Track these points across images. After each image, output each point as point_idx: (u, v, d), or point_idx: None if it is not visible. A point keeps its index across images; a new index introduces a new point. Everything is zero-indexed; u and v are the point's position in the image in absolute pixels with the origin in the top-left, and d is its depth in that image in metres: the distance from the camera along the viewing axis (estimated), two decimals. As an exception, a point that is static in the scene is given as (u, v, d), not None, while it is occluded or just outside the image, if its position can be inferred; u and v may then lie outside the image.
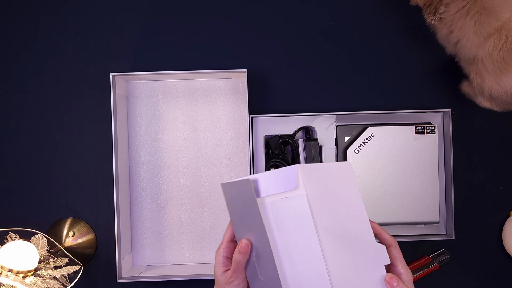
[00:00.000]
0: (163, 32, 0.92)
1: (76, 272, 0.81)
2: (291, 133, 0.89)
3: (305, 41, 0.92)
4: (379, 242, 0.56)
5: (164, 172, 0.91)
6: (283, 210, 0.56)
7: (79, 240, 0.89)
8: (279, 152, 0.88)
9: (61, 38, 0.92)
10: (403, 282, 0.54)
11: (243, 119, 0.90)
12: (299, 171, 0.55)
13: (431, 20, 0.77)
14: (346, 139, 0.87)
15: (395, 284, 0.53)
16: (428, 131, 0.87)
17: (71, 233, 0.89)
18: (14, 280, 0.71)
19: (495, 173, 0.91)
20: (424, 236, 0.88)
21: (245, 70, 0.84)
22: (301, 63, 0.92)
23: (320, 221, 0.55)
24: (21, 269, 0.72)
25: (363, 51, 0.92)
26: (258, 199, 0.56)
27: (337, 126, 0.88)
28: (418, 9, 0.83)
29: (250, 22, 0.92)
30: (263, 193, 0.57)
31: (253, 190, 0.55)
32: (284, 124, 0.89)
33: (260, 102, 0.91)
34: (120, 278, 0.83)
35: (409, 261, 0.90)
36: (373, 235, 0.55)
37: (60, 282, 0.79)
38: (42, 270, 0.77)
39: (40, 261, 0.77)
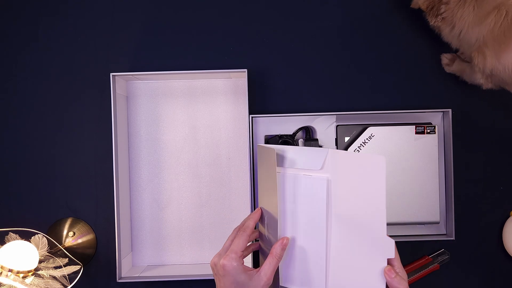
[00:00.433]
0: (163, 32, 0.92)
1: (76, 272, 0.81)
2: (291, 133, 0.89)
3: (305, 41, 0.92)
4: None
5: (164, 172, 0.91)
6: (302, 185, 0.60)
7: (79, 240, 0.89)
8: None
9: (61, 38, 0.92)
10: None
11: (243, 119, 0.90)
12: (329, 155, 0.58)
13: (434, 22, 0.78)
14: (346, 139, 0.87)
15: (392, 276, 0.55)
16: (428, 131, 0.87)
17: (71, 233, 0.89)
18: (14, 280, 0.71)
19: (495, 173, 0.91)
20: (424, 236, 0.88)
21: (245, 70, 0.84)
22: (301, 63, 0.92)
23: (333, 206, 0.59)
24: (21, 269, 0.72)
25: (363, 51, 0.92)
26: (278, 168, 0.60)
27: (337, 126, 0.88)
28: (418, 9, 0.83)
29: (250, 22, 0.92)
30: (288, 164, 0.60)
31: (275, 159, 0.58)
32: (284, 124, 0.89)
33: (260, 102, 0.91)
34: (120, 278, 0.83)
35: (409, 261, 0.90)
36: (385, 229, 0.56)
37: (60, 282, 0.79)
38: (42, 270, 0.77)
39: (40, 261, 0.77)
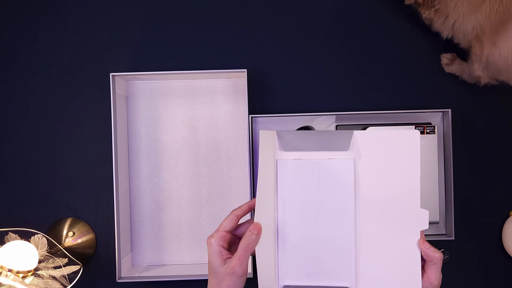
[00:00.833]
0: (163, 32, 0.92)
1: (76, 272, 0.81)
2: (291, 133, 0.89)
3: (305, 41, 0.92)
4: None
5: (164, 172, 0.91)
6: (325, 170, 0.58)
7: (79, 240, 0.89)
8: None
9: (61, 38, 0.92)
10: (432, 286, 0.55)
11: (243, 119, 0.90)
12: (355, 136, 0.57)
13: (428, 14, 0.78)
14: (346, 139, 0.87)
15: (428, 246, 0.55)
16: (428, 131, 0.87)
17: (71, 233, 0.89)
18: (13, 280, 0.71)
19: (495, 173, 0.91)
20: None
21: (245, 70, 0.84)
22: (301, 63, 0.92)
23: (361, 188, 0.57)
24: (20, 269, 0.72)
25: (363, 51, 0.92)
26: (296, 154, 0.58)
27: (337, 126, 0.88)
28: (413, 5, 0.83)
29: (250, 22, 0.92)
30: (307, 149, 0.58)
31: (275, 143, 0.57)
32: (284, 124, 0.89)
33: (260, 102, 0.91)
34: (120, 278, 0.83)
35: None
36: (419, 201, 0.56)
37: (60, 282, 0.79)
38: (41, 270, 0.77)
39: (40, 261, 0.77)
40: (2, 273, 0.71)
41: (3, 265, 0.71)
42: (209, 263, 0.55)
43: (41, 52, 0.91)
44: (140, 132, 0.91)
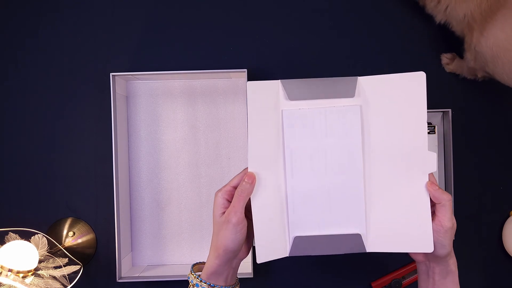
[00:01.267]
0: (163, 32, 0.92)
1: (76, 272, 0.81)
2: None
3: (306, 41, 0.92)
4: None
5: (164, 172, 0.91)
6: (331, 118, 0.57)
7: (79, 240, 0.89)
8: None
9: (61, 38, 0.92)
10: (444, 229, 0.54)
11: (243, 119, 0.90)
12: (359, 82, 0.56)
13: None
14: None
15: (436, 188, 0.55)
16: (428, 131, 0.86)
17: (71, 233, 0.89)
18: (14, 280, 0.71)
19: (495, 173, 0.91)
20: (424, 236, 0.88)
21: (245, 70, 0.84)
22: (301, 63, 0.92)
23: (369, 134, 0.57)
24: (21, 269, 0.72)
25: (363, 51, 0.92)
26: (299, 103, 0.57)
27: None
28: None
29: (250, 22, 0.92)
30: (312, 97, 0.57)
31: (278, 93, 0.56)
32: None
33: (260, 102, 0.91)
34: (120, 278, 0.83)
35: (408, 261, 0.90)
36: (427, 144, 0.56)
37: (60, 282, 0.79)
38: (42, 270, 0.77)
39: (40, 261, 0.77)
40: (2, 273, 0.71)
41: (3, 265, 0.71)
42: (213, 215, 0.57)
43: (41, 52, 0.91)
44: (140, 132, 0.91)
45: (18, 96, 0.91)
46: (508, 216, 0.91)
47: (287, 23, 0.92)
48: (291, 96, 0.57)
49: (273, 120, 0.57)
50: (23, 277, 0.72)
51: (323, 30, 0.92)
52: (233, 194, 0.56)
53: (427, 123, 0.56)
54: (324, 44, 0.92)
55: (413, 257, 0.60)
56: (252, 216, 0.57)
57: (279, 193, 0.58)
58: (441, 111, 0.88)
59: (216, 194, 0.57)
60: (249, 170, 0.56)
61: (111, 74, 0.83)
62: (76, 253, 0.88)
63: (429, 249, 0.55)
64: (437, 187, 0.55)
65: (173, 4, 0.92)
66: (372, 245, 0.58)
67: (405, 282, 0.89)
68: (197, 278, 0.58)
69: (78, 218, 0.91)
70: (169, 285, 0.90)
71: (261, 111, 0.57)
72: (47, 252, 0.80)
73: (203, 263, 0.61)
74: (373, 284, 0.89)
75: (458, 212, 0.88)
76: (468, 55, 0.80)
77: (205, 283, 0.57)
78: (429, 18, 0.86)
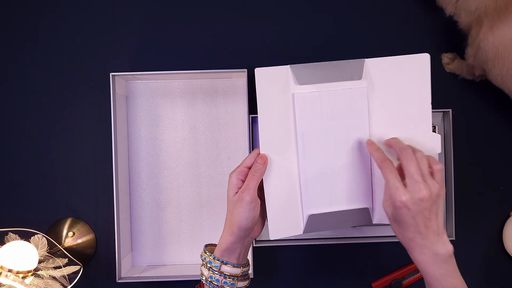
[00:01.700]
0: (163, 32, 0.91)
1: (76, 272, 0.81)
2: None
3: (306, 41, 0.92)
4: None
5: (164, 172, 0.91)
6: (340, 100, 0.59)
7: (79, 240, 0.89)
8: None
9: (61, 38, 0.91)
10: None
11: (243, 119, 0.90)
12: (366, 64, 0.58)
13: None
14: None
15: (374, 147, 0.58)
16: (428, 131, 0.86)
17: (71, 233, 0.89)
18: (13, 280, 0.71)
19: (495, 173, 0.91)
20: (424, 236, 0.88)
21: (245, 70, 0.83)
22: (302, 63, 0.91)
23: (376, 114, 0.59)
24: (20, 269, 0.72)
25: (363, 51, 0.92)
26: (308, 87, 0.60)
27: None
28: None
29: (250, 22, 0.92)
30: (320, 81, 0.60)
31: (288, 78, 0.59)
32: (284, 124, 0.89)
33: (260, 102, 0.91)
34: (120, 278, 0.83)
35: (408, 261, 0.90)
36: (431, 126, 0.59)
37: (60, 282, 0.78)
38: (41, 270, 0.77)
39: (39, 261, 0.77)
40: (2, 273, 0.70)
41: (3, 265, 0.71)
42: (227, 195, 0.59)
43: (40, 52, 0.91)
44: (140, 132, 0.91)
45: (18, 96, 0.91)
46: (508, 216, 0.90)
47: (287, 23, 0.92)
48: (301, 81, 0.60)
49: (283, 104, 0.60)
50: (23, 278, 0.72)
51: (323, 30, 0.92)
52: (247, 174, 0.58)
53: (430, 104, 0.59)
54: (324, 44, 0.92)
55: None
56: (264, 196, 0.59)
57: (291, 173, 0.60)
58: (442, 111, 0.88)
59: (230, 175, 0.59)
60: (261, 152, 0.59)
61: (111, 74, 0.83)
62: (76, 253, 0.88)
63: None
64: (374, 145, 0.58)
65: (173, 4, 0.92)
66: (378, 218, 0.62)
67: (405, 282, 0.89)
68: (211, 255, 0.60)
69: (78, 218, 0.91)
70: (169, 285, 0.90)
71: (270, 96, 0.59)
72: (47, 252, 0.80)
73: (214, 245, 0.63)
74: (373, 284, 0.89)
75: (458, 212, 0.88)
76: (469, 51, 0.79)
77: (218, 260, 0.59)
78: (429, 18, 0.86)
